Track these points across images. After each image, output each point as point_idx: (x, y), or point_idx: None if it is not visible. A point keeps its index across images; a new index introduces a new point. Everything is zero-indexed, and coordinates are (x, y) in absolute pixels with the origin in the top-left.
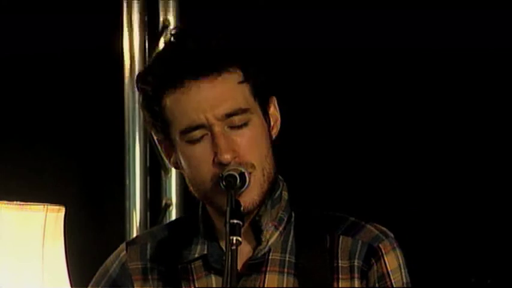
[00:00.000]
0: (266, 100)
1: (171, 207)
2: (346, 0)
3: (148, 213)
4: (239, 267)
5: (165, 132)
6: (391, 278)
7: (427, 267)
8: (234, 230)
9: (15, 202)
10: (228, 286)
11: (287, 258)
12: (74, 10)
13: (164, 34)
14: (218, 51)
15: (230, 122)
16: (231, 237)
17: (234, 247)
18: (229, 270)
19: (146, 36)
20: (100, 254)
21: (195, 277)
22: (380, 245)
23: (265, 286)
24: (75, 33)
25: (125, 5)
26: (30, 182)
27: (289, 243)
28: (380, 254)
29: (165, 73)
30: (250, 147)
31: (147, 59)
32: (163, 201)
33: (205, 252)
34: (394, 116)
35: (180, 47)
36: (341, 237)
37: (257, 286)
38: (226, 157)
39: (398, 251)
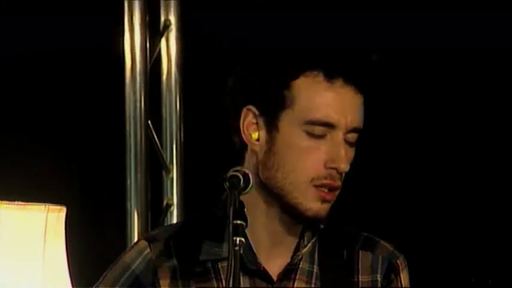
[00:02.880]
0: None
1: (172, 208)
2: (346, 0)
3: (149, 214)
4: (277, 270)
5: (273, 110)
6: None
7: (428, 267)
8: (237, 231)
9: (16, 202)
10: (231, 287)
11: (315, 270)
12: (74, 10)
13: (165, 34)
14: (364, 71)
15: (347, 136)
16: (235, 238)
17: (237, 248)
18: (232, 271)
19: (147, 36)
20: (101, 254)
21: (223, 277)
22: (398, 261)
23: None
24: (76, 33)
25: (126, 4)
26: (31, 182)
27: (316, 255)
28: (398, 270)
29: (328, 59)
30: (349, 165)
31: (148, 59)
32: (165, 202)
33: (241, 252)
34: (394, 116)
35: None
36: (360, 252)
37: None
38: (345, 167)
39: (407, 269)
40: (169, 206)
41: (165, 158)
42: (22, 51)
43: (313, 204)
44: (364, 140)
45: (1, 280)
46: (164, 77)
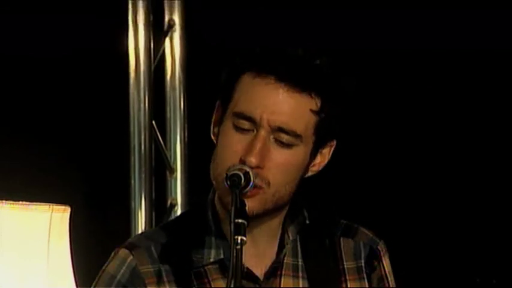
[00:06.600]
0: (325, 141)
1: (176, 207)
2: (346, 0)
3: (153, 214)
4: (263, 269)
5: (224, 105)
6: (389, 279)
7: (431, 267)
8: (239, 230)
9: (21, 202)
10: (234, 286)
11: (299, 263)
12: (79, 10)
13: (169, 34)
14: (316, 71)
15: (278, 136)
16: (236, 237)
17: (239, 246)
18: (235, 270)
19: (151, 36)
20: (105, 254)
21: (210, 279)
22: (378, 247)
23: None
24: (80, 33)
25: (130, 5)
26: (36, 182)
27: (298, 248)
28: (380, 256)
29: (261, 57)
30: (278, 168)
31: (152, 59)
32: (169, 201)
33: (222, 256)
34: (394, 116)
35: (290, 48)
36: (342, 239)
37: None
38: (252, 160)
39: (387, 254)
40: (173, 205)
41: (169, 158)
42: (26, 52)
43: (229, 197)
44: (364, 141)
45: (6, 279)
46: (168, 76)
